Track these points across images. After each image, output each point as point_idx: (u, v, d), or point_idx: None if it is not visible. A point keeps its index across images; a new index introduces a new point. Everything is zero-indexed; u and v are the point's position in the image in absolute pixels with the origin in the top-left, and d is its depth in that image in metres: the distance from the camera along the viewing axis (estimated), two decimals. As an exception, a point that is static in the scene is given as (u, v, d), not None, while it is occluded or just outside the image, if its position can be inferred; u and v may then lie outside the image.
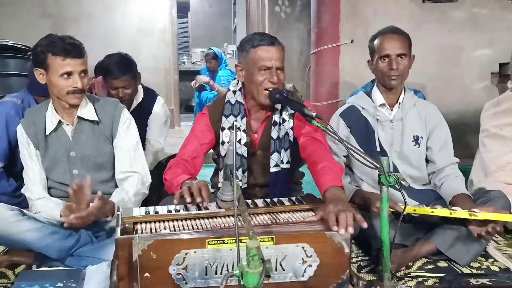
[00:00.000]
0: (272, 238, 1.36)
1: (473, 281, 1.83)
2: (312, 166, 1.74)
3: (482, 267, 1.97)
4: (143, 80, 2.87)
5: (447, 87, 4.00)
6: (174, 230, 1.42)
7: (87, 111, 1.95)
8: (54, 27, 5.16)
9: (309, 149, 1.81)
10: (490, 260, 2.04)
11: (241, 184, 1.90)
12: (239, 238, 1.08)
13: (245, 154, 1.92)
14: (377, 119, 2.12)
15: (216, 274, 1.35)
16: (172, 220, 1.49)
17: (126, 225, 1.45)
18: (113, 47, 2.71)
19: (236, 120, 1.92)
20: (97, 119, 1.96)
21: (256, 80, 1.83)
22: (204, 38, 10.48)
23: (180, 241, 1.34)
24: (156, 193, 2.14)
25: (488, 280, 1.83)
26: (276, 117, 1.92)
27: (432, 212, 1.85)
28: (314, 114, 1.68)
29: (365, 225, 1.40)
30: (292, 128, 1.93)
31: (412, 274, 1.89)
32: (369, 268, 1.96)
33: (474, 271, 1.93)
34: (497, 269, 1.95)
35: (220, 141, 1.94)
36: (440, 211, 1.84)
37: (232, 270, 1.30)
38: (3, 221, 1.81)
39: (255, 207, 1.61)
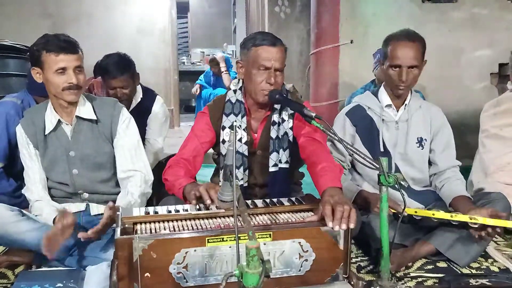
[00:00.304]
0: (270, 234, 1.39)
1: (472, 281, 1.83)
2: (311, 167, 1.74)
3: (482, 267, 1.97)
4: (142, 80, 2.87)
5: (447, 87, 4.00)
6: (174, 230, 1.42)
7: (85, 110, 1.95)
8: (54, 27, 5.16)
9: (308, 150, 1.81)
10: (490, 260, 2.04)
11: (241, 183, 1.90)
12: (239, 236, 1.09)
13: (246, 153, 1.92)
14: (383, 120, 2.12)
15: (216, 272, 1.36)
16: (172, 220, 1.49)
17: (126, 226, 1.45)
18: (113, 47, 2.72)
19: (236, 120, 1.92)
20: (96, 118, 1.96)
21: (254, 79, 1.83)
22: (203, 39, 10.49)
23: (180, 240, 1.35)
24: (156, 193, 2.14)
25: (487, 280, 1.84)
26: (275, 117, 1.92)
27: (433, 214, 1.85)
28: (313, 114, 1.68)
29: (352, 225, 1.41)
30: (291, 128, 1.93)
31: (412, 274, 1.89)
32: (368, 268, 1.96)
33: (474, 271, 1.93)
34: (496, 270, 1.96)
35: (221, 140, 1.94)
36: (441, 214, 1.84)
37: (232, 268, 1.31)
38: (2, 222, 1.81)
39: (255, 207, 1.61)
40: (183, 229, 1.43)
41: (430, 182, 2.17)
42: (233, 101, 1.95)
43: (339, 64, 4.03)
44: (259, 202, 1.66)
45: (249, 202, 1.64)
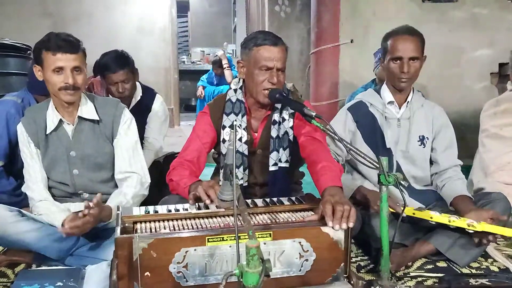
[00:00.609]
0: (270, 234, 1.39)
1: (472, 281, 1.83)
2: (311, 166, 1.74)
3: (482, 267, 1.97)
4: (142, 79, 2.87)
5: (447, 87, 4.00)
6: (174, 229, 1.42)
7: (87, 110, 1.95)
8: (54, 26, 5.15)
9: (308, 149, 1.81)
10: (490, 260, 2.04)
11: (241, 182, 1.90)
12: (239, 235, 1.09)
13: (246, 152, 1.92)
14: (385, 117, 2.12)
15: (216, 271, 1.36)
16: (172, 220, 1.49)
17: (126, 225, 1.45)
18: (113, 47, 2.72)
19: (236, 119, 1.92)
20: (97, 118, 1.96)
21: (256, 79, 1.83)
22: (204, 38, 10.48)
23: (180, 239, 1.34)
24: (156, 192, 2.14)
25: (487, 280, 1.84)
26: (276, 116, 1.92)
27: (431, 217, 1.84)
28: (313, 113, 1.68)
29: (351, 224, 1.41)
30: (292, 128, 1.93)
31: (412, 274, 1.89)
32: (368, 268, 1.96)
33: (474, 271, 1.93)
34: (496, 269, 1.96)
35: (221, 139, 1.94)
36: (439, 218, 1.84)
37: (232, 267, 1.31)
38: (1, 222, 1.81)
39: (255, 206, 1.61)
40: (183, 228, 1.43)
41: (431, 181, 2.17)
42: (234, 100, 1.95)
43: (339, 64, 4.03)
44: (259, 202, 1.66)
45: (249, 201, 1.64)
